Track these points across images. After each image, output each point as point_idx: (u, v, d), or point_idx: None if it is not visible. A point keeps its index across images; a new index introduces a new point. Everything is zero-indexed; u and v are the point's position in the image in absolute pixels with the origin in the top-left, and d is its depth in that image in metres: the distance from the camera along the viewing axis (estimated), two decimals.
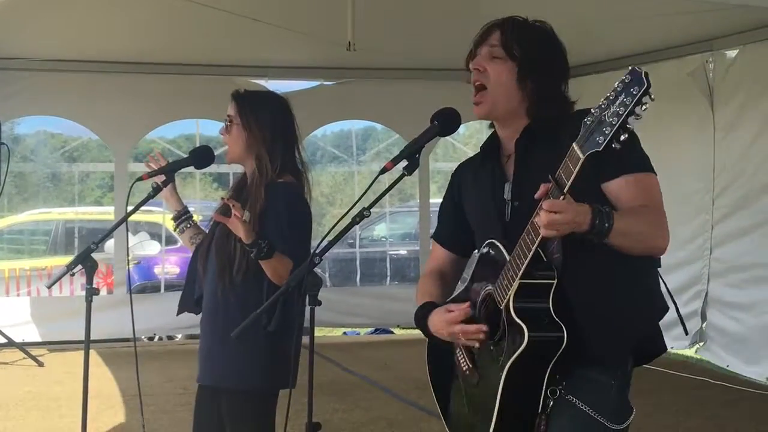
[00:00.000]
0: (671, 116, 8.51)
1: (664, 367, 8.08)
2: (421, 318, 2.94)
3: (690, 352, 8.95)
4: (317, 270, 2.88)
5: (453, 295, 3.05)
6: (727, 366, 8.12)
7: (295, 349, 3.32)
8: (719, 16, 7.12)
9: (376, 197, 2.87)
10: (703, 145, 8.40)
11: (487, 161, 2.93)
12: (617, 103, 2.31)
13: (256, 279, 3.61)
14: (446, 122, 2.88)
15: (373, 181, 2.88)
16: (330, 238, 2.82)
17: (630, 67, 2.33)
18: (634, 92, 2.30)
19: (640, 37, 8.35)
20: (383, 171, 2.79)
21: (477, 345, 2.76)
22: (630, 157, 2.55)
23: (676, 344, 8.41)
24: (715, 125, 8.28)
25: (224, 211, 3.61)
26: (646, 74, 2.30)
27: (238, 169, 3.97)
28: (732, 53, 8.21)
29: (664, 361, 8.31)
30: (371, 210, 2.82)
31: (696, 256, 8.40)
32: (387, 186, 2.95)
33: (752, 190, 7.91)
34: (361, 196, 2.87)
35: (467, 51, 2.91)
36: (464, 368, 2.84)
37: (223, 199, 3.49)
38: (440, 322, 2.84)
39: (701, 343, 8.49)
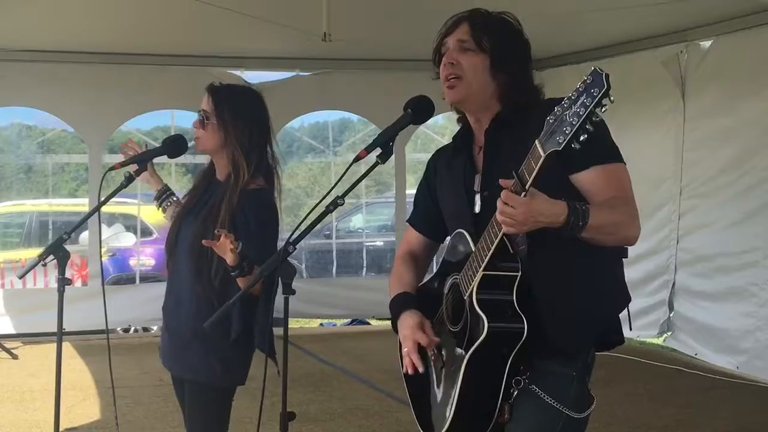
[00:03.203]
0: (643, 105, 8.58)
1: (638, 356, 8.14)
2: (395, 309, 2.99)
3: (659, 341, 9.01)
4: (291, 259, 2.88)
5: (423, 282, 3.08)
6: (696, 354, 8.20)
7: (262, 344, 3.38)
8: (694, 7, 7.15)
9: (350, 185, 2.87)
10: (672, 135, 8.46)
11: (459, 153, 2.95)
12: (578, 103, 2.33)
13: (231, 278, 3.59)
14: (419, 110, 2.89)
15: (347, 170, 2.88)
16: (304, 227, 2.82)
17: (592, 68, 2.35)
18: (594, 93, 2.31)
19: (617, 27, 8.37)
20: (357, 159, 2.80)
21: (407, 370, 2.85)
22: (599, 147, 2.55)
23: (644, 333, 8.50)
24: (686, 116, 8.33)
25: (204, 227, 3.60)
26: (607, 76, 2.31)
27: None
28: (706, 44, 8.25)
29: (637, 350, 8.38)
30: (345, 199, 2.83)
31: (663, 246, 8.47)
32: (361, 175, 2.96)
33: (719, 180, 7.97)
34: (335, 185, 2.88)
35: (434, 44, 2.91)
36: (430, 354, 2.87)
37: (218, 231, 3.43)
38: (407, 327, 2.89)
39: (669, 333, 8.56)
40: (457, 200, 2.90)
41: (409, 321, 2.89)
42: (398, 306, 2.98)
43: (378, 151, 2.82)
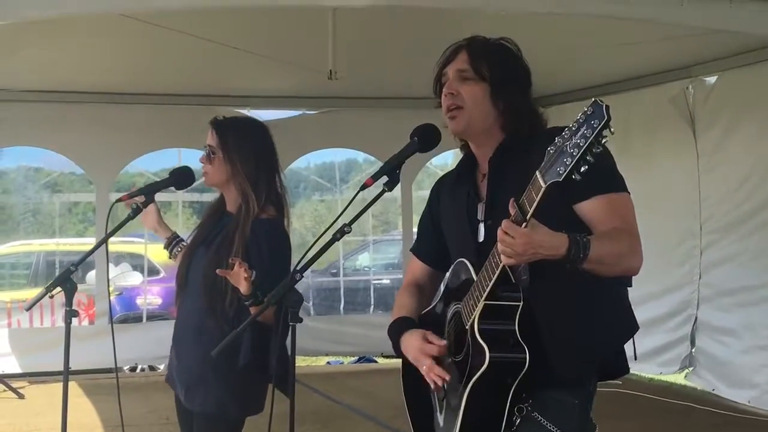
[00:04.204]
0: (654, 143, 8.57)
1: (650, 393, 8.07)
2: (394, 333, 2.98)
3: (678, 377, 8.93)
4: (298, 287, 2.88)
5: (425, 310, 3.06)
6: (713, 390, 8.11)
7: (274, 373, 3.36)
8: (698, 43, 7.16)
9: (357, 213, 2.88)
10: (687, 171, 8.41)
11: (462, 180, 2.94)
12: (578, 134, 2.31)
13: (245, 308, 3.59)
14: (425, 138, 2.90)
15: (353, 198, 2.89)
16: (311, 255, 2.82)
17: (593, 99, 2.34)
18: (595, 125, 2.29)
19: (620, 64, 8.39)
20: (363, 187, 2.81)
21: (433, 386, 2.79)
22: (602, 177, 2.55)
23: (665, 369, 8.41)
24: (699, 151, 8.31)
25: (218, 258, 3.60)
26: (607, 107, 2.30)
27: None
28: (711, 79, 8.26)
29: (647, 385, 8.31)
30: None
31: (685, 281, 8.38)
32: (367, 203, 2.95)
33: (739, 214, 7.92)
34: (341, 213, 2.89)
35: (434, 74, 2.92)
36: (432, 384, 2.85)
37: (232, 260, 3.46)
38: (413, 346, 2.87)
39: (690, 368, 8.47)
40: (460, 228, 2.90)
41: (413, 342, 2.88)
42: (397, 331, 2.98)
43: (385, 179, 2.83)
